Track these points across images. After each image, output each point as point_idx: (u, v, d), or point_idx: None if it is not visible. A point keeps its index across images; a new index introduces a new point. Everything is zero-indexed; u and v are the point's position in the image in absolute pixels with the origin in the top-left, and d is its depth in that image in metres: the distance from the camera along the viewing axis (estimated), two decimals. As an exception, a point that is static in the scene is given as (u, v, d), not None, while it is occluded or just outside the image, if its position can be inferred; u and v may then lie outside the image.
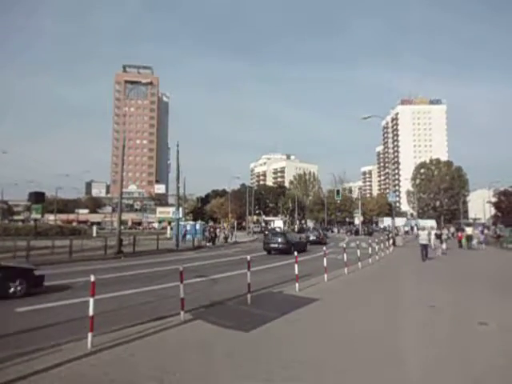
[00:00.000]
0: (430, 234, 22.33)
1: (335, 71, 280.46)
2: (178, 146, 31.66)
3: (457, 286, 11.52)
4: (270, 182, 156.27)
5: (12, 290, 9.56)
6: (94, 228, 50.32)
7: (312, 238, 33.11)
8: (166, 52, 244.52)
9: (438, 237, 22.87)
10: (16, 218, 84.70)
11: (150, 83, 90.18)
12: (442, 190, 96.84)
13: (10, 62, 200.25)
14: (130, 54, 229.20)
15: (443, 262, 18.65)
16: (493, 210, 73.73)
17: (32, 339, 5.99)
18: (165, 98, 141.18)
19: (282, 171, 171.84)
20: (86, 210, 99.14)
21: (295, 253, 11.70)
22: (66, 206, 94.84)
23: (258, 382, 4.39)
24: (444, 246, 23.02)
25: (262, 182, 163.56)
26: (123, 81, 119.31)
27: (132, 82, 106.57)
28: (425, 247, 19.10)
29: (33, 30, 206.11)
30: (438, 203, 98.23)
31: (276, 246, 24.06)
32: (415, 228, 62.43)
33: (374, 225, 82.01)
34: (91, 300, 5.53)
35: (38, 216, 29.58)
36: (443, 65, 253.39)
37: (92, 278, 5.67)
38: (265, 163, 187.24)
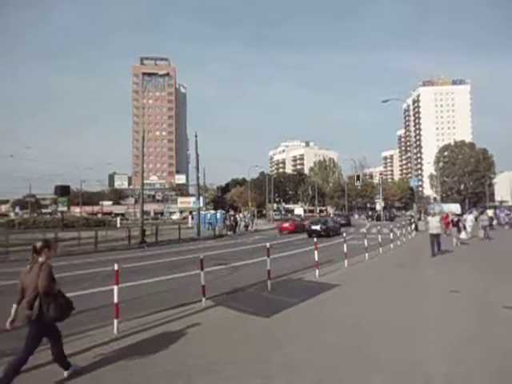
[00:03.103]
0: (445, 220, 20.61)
1: (355, 54, 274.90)
2: (196, 136, 31.92)
3: (481, 271, 11.26)
4: (289, 170, 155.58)
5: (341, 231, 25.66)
6: (118, 219, 51.50)
7: (342, 221, 41.81)
8: (180, 42, 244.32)
9: (455, 224, 19.69)
10: (44, 211, 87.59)
11: (167, 74, 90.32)
12: (467, 172, 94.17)
13: (27, 58, 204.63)
14: (145, 45, 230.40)
15: (464, 251, 17.19)
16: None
17: (60, 326, 6.26)
18: (182, 89, 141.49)
19: (301, 158, 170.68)
20: (110, 202, 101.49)
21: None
22: (91, 199, 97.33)
23: (277, 365, 4.49)
24: (463, 234, 19.98)
25: (281, 170, 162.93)
26: (141, 73, 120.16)
27: (149, 74, 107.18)
28: (436, 237, 15.11)
29: (52, 25, 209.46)
30: (462, 186, 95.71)
31: (343, 222, 40.28)
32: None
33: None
34: (115, 288, 5.74)
35: (65, 208, 30.34)
36: (467, 45, 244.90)
37: (116, 267, 5.88)
38: (284, 151, 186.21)
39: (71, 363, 4.45)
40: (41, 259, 4.13)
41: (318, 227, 27.13)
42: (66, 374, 4.34)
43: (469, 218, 23.55)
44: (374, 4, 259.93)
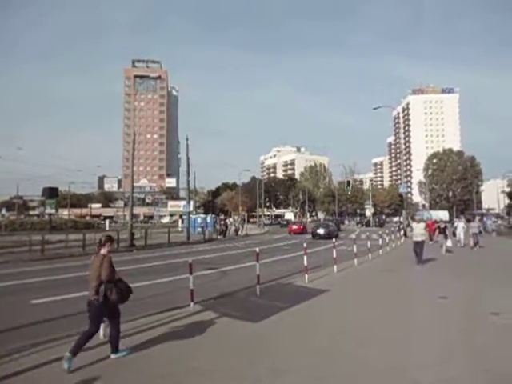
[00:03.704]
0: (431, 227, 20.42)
1: (346, 59, 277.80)
2: (187, 139, 31.82)
3: (469, 278, 11.36)
4: (280, 175, 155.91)
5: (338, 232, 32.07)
6: (107, 222, 51.00)
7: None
8: (173, 45, 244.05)
9: (442, 231, 19.38)
10: (31, 212, 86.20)
11: (159, 77, 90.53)
12: (455, 180, 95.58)
13: (24, 61, 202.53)
14: (138, 47, 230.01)
15: (452, 258, 17.17)
16: (507, 200, 72.56)
17: (47, 330, 6.18)
18: (174, 92, 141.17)
19: (292, 163, 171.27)
20: (99, 205, 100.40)
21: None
22: (80, 201, 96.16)
23: (265, 369, 4.48)
24: (449, 242, 19.23)
25: (272, 175, 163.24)
26: (133, 76, 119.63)
27: (141, 77, 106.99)
28: (420, 245, 14.18)
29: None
30: (450, 194, 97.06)
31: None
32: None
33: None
34: (103, 292, 5.65)
35: (53, 211, 30.03)
36: (456, 53, 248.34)
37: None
38: (275, 156, 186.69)
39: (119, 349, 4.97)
40: (103, 251, 4.86)
41: (322, 231, 30.40)
42: (112, 356, 4.84)
43: (460, 226, 22.61)
44: (364, 8, 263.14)
